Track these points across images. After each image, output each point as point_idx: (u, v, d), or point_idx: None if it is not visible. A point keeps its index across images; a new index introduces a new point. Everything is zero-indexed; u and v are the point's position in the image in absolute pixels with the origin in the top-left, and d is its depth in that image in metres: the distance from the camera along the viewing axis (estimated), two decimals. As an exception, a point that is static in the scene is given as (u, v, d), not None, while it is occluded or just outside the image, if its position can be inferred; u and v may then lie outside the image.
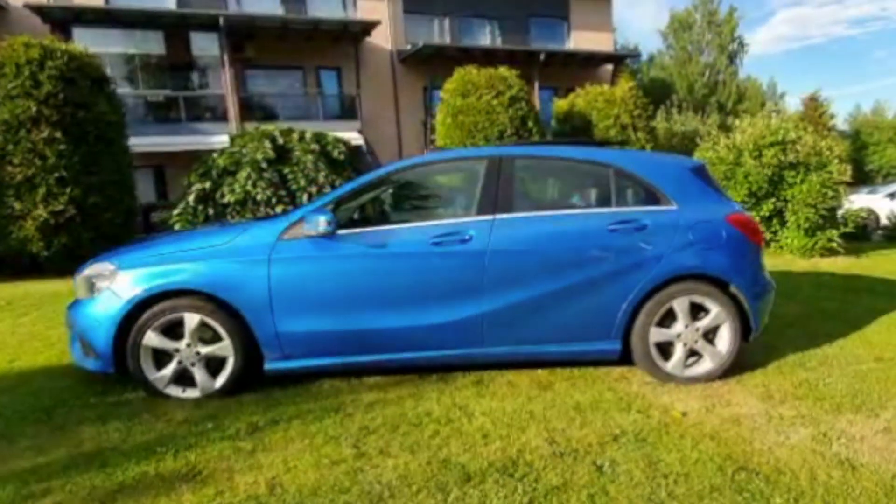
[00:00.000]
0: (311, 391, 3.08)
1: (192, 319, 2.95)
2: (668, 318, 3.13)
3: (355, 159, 8.16)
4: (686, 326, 3.12)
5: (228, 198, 7.32)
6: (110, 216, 7.04)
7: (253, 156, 7.39)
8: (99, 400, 3.01)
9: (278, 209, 7.39)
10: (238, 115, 16.82)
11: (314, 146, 7.55)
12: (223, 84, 16.70)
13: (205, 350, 2.99)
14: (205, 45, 16.34)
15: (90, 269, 3.10)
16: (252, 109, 17.60)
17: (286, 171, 7.48)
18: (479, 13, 22.37)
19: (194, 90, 16.97)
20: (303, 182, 7.41)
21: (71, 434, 2.58)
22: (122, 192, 7.42)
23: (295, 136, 7.75)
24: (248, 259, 2.97)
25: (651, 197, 3.21)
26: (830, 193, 7.60)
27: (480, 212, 3.10)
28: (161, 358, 3.01)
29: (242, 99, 17.36)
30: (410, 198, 3.45)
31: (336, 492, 2.03)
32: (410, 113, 20.94)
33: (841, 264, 7.24)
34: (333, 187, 7.44)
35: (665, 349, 3.16)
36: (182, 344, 2.97)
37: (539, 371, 3.28)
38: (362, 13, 19.82)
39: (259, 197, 7.29)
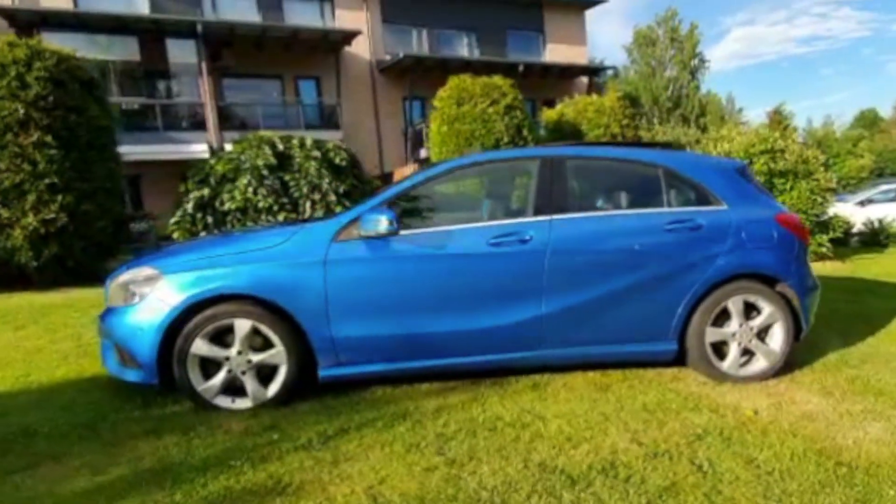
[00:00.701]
0: (367, 399, 2.96)
1: (243, 326, 2.80)
2: (722, 318, 3.15)
3: (356, 166, 8.04)
4: (740, 326, 3.15)
5: (228, 205, 7.09)
6: (103, 225, 6.68)
7: (253, 162, 7.19)
8: (142, 413, 2.82)
9: (280, 217, 7.20)
10: (217, 124, 16.46)
11: (315, 153, 7.40)
12: (201, 92, 16.31)
13: (256, 358, 2.84)
14: (181, 53, 15.93)
15: (129, 275, 2.91)
16: (231, 118, 17.25)
17: (287, 178, 7.30)
18: (457, 25, 22.61)
19: (171, 98, 16.50)
20: (305, 189, 7.25)
21: (126, 450, 2.40)
22: (113, 201, 7.07)
23: (295, 142, 7.59)
24: (304, 262, 2.85)
25: (701, 197, 3.25)
26: (819, 200, 7.90)
27: (537, 212, 3.06)
28: (208, 367, 2.85)
29: (221, 107, 17.00)
30: (462, 197, 3.40)
31: (443, 500, 1.93)
32: (390, 122, 20.93)
33: (832, 268, 7.51)
34: (337, 194, 7.31)
35: (719, 349, 3.18)
36: (232, 352, 2.82)
37: (590, 373, 3.24)
38: (340, 22, 19.77)
39: (261, 204, 7.09)
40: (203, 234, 7.37)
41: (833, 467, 2.12)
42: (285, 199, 7.33)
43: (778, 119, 26.29)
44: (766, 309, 3.15)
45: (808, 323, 3.27)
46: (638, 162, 3.34)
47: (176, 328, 2.77)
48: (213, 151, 16.25)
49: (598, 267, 3.03)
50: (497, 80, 9.81)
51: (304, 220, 3.31)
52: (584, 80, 24.08)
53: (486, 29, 23.04)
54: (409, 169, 15.43)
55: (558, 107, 11.99)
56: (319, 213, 7.25)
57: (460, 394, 3.00)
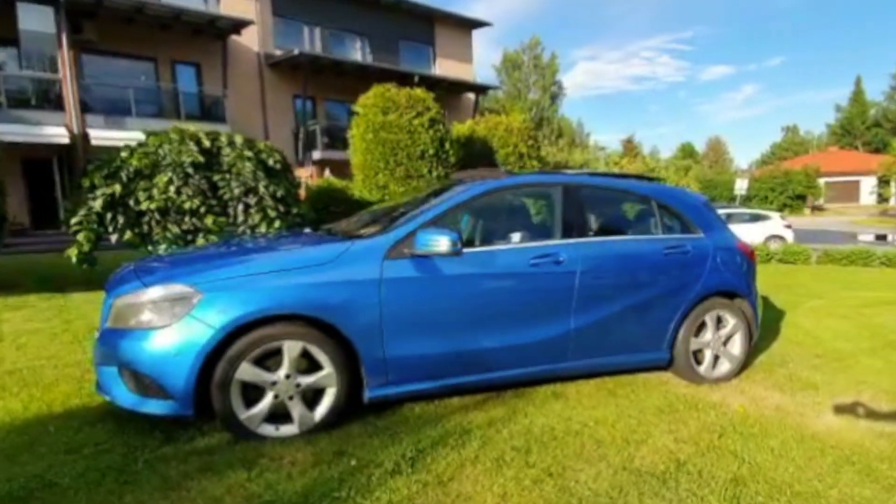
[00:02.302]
0: (411, 417, 2.96)
1: (294, 348, 2.65)
2: (700, 329, 3.70)
3: (288, 169, 7.61)
4: (713, 335, 3.72)
5: (146, 205, 6.28)
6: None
7: (176, 158, 6.48)
8: (174, 448, 2.51)
9: (207, 221, 6.58)
10: (77, 105, 14.31)
11: (248, 152, 6.89)
12: (59, 67, 14.04)
13: (306, 381, 2.70)
14: (34, 20, 13.56)
15: (156, 293, 2.57)
16: (95, 101, 15.08)
17: (216, 178, 6.68)
18: (351, 28, 22.34)
19: (19, 71, 13.96)
20: (237, 191, 6.70)
21: (193, 493, 2.15)
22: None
23: (224, 139, 6.97)
24: (360, 280, 2.78)
25: (684, 226, 3.78)
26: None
27: (564, 235, 3.33)
28: (249, 393, 2.64)
29: (83, 87, 14.78)
30: (494, 218, 3.53)
31: (571, 509, 2.08)
32: (279, 120, 19.95)
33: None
34: (275, 198, 6.90)
35: (696, 356, 3.72)
36: (280, 375, 2.65)
37: (591, 381, 3.57)
38: (226, 9, 18.39)
39: (186, 205, 6.40)
40: (113, 237, 6.46)
41: (830, 450, 2.68)
42: (214, 201, 6.71)
43: (630, 147, 30.02)
44: (731, 321, 3.77)
45: (758, 331, 3.98)
46: (636, 193, 3.79)
47: (217, 352, 2.53)
48: (73, 137, 14.10)
49: (615, 286, 3.39)
50: (419, 92, 9.96)
51: (338, 235, 3.15)
52: (471, 96, 25.26)
53: (380, 36, 23.08)
54: (305, 171, 14.83)
55: (468, 122, 12.50)
56: (255, 217, 6.77)
57: (495, 407, 3.14)
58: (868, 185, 36.29)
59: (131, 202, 6.30)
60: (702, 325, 3.69)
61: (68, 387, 3.28)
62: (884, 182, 31.50)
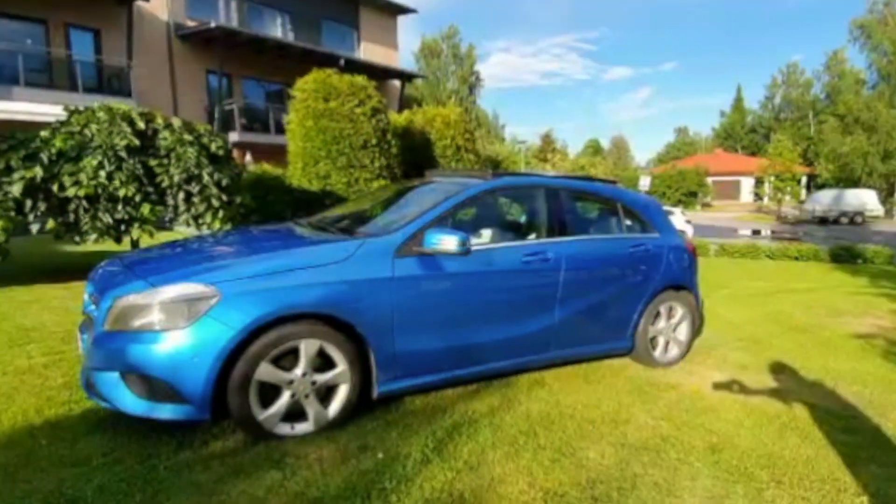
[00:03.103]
0: (414, 410, 3.08)
1: (310, 346, 2.67)
2: (655, 319, 4.15)
3: (231, 156, 7.23)
4: (665, 324, 4.19)
5: (72, 191, 5.71)
6: None
7: (106, 140, 5.95)
8: (192, 454, 2.46)
9: (144, 210, 6.12)
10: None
11: (188, 136, 6.48)
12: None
13: (321, 379, 2.73)
14: None
15: (169, 293, 2.47)
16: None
17: (153, 163, 6.22)
18: (270, 2, 21.26)
19: None
20: (177, 178, 6.29)
21: (233, 495, 2.14)
22: None
23: (160, 120, 6.49)
24: (374, 278, 2.85)
25: (643, 227, 4.20)
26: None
27: (549, 234, 3.59)
28: (265, 393, 2.63)
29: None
30: (487, 218, 3.68)
31: (602, 480, 2.33)
32: (190, 97, 18.62)
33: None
34: (220, 186, 6.56)
35: (651, 342, 4.16)
36: (297, 374, 2.66)
37: (563, 370, 3.89)
38: (130, -29, 16.77)
39: (120, 192, 5.91)
40: (34, 226, 5.83)
41: (774, 419, 3.17)
42: (150, 189, 6.25)
43: (548, 141, 31.39)
44: (680, 311, 4.26)
45: (701, 319, 4.51)
46: (604, 196, 4.15)
47: (235, 353, 2.50)
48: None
49: (592, 281, 3.72)
50: (360, 80, 9.81)
51: (344, 234, 3.15)
52: (397, 83, 25.06)
53: (302, 14, 22.21)
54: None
55: (405, 113, 12.50)
56: (200, 207, 6.39)
57: (489, 396, 3.34)
58: (748, 184, 40.94)
59: (55, 188, 5.72)
60: (656, 315, 4.13)
61: (33, 398, 3.02)
62: (759, 182, 35.63)
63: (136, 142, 6.06)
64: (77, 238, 5.92)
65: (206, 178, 6.35)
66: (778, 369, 4.19)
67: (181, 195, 6.32)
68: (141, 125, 6.22)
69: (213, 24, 17.02)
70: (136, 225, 6.15)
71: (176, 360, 2.43)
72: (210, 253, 3.08)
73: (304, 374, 2.68)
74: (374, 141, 9.48)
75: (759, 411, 3.30)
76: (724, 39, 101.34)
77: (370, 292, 2.83)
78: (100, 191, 5.87)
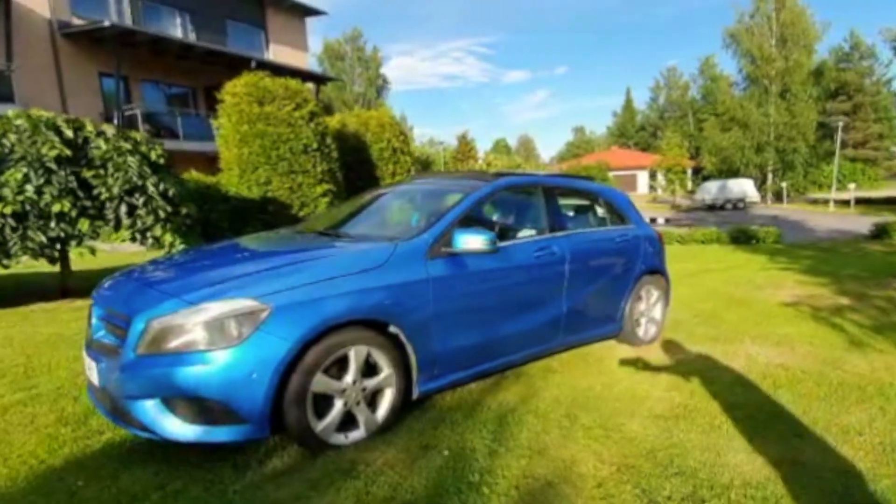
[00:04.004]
0: (447, 406, 3.13)
1: (360, 353, 2.64)
2: (637, 302, 4.48)
3: (172, 164, 6.70)
4: (645, 306, 4.55)
5: (-3, 208, 5.06)
6: None
7: (30, 150, 5.30)
8: (256, 474, 2.35)
9: (82, 226, 5.53)
10: None
11: (125, 144, 5.93)
12: None
13: (370, 385, 2.70)
14: None
15: (213, 310, 2.32)
16: None
17: (89, 174, 5.63)
18: (169, 1, 19.84)
19: None
20: (117, 190, 5.75)
21: (325, 507, 2.08)
22: None
23: (90, 128, 5.87)
24: (412, 280, 2.86)
25: (621, 219, 4.52)
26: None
27: (551, 230, 3.77)
28: (319, 404, 2.55)
29: None
30: (496, 215, 3.76)
31: (660, 448, 2.53)
32: (83, 102, 16.94)
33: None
34: (166, 197, 6.09)
35: (635, 323, 4.50)
36: (348, 382, 2.62)
37: (565, 355, 4.11)
38: (1, -38, 14.91)
39: (54, 208, 5.30)
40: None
41: (758, 381, 3.58)
42: (88, 202, 5.65)
43: (465, 143, 32.06)
44: (655, 293, 4.64)
45: (670, 300, 4.94)
46: (589, 191, 4.42)
47: (291, 366, 2.42)
48: None
49: (591, 271, 3.96)
50: (295, 83, 9.50)
51: (376, 238, 3.08)
52: (311, 86, 24.35)
53: (204, 13, 20.96)
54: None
55: (338, 116, 12.25)
56: (147, 220, 5.87)
57: (512, 386, 3.46)
58: (643, 177, 44.54)
59: (-24, 204, 5.02)
60: (639, 299, 4.47)
61: (32, 438, 2.69)
62: (653, 176, 38.91)
63: (68, 152, 5.48)
64: (5, 261, 5.23)
65: (150, 188, 5.87)
66: (740, 338, 4.70)
67: (123, 208, 5.79)
68: (69, 133, 5.62)
69: (106, 23, 15.55)
70: (74, 243, 5.56)
71: (232, 379, 2.29)
72: (235, 266, 2.90)
73: (354, 382, 2.63)
74: (314, 145, 9.24)
75: (747, 375, 3.70)
76: (611, 45, 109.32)
77: (410, 295, 2.84)
78: (28, 207, 5.24)
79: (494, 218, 3.79)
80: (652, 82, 65.49)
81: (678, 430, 2.79)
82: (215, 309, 2.34)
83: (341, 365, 2.61)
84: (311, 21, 25.82)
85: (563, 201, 4.09)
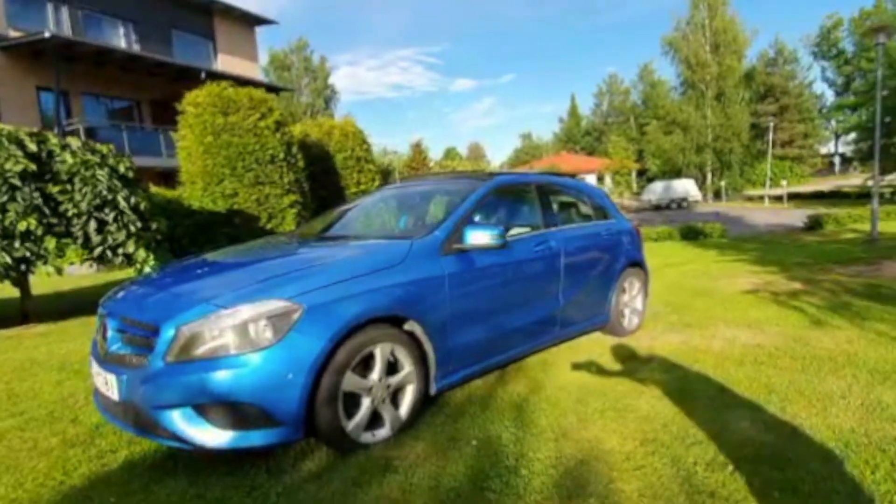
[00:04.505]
0: (458, 401, 3.21)
1: (385, 350, 2.70)
2: (622, 294, 4.71)
3: (140, 178, 6.46)
4: (629, 297, 4.79)
5: (-44, 229, 4.76)
6: None
7: (-9, 166, 5.03)
8: (293, 477, 2.36)
9: (48, 244, 5.27)
10: None
11: (93, 157, 5.70)
12: None
13: (393, 382, 2.76)
14: None
15: (245, 313, 2.33)
16: None
17: (55, 190, 5.38)
18: (111, 11, 19.13)
19: None
20: (85, 205, 5.51)
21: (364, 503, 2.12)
22: None
23: (54, 141, 5.61)
24: (429, 276, 2.94)
25: (603, 214, 4.75)
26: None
27: (546, 226, 3.94)
28: (347, 404, 2.59)
29: None
30: (495, 211, 3.86)
31: (673, 421, 2.70)
32: (20, 118, 15.97)
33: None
34: (136, 211, 5.90)
35: (620, 314, 4.73)
36: (374, 380, 2.66)
37: (556, 349, 4.28)
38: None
39: (20, 226, 5.03)
40: None
41: (735, 359, 3.85)
42: (54, 220, 5.38)
43: (419, 150, 32.24)
44: (637, 284, 4.89)
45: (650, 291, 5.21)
46: (574, 188, 4.62)
47: (323, 365, 2.45)
48: None
49: (583, 264, 4.14)
50: (259, 93, 9.35)
51: (392, 236, 3.11)
52: (262, 96, 23.89)
53: (148, 23, 20.27)
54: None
55: (299, 126, 12.11)
56: (119, 236, 5.65)
57: (516, 379, 3.57)
58: (592, 181, 46.04)
59: (-68, 225, 4.71)
60: (623, 290, 4.70)
61: (42, 461, 2.59)
62: (601, 179, 40.34)
63: (33, 166, 5.23)
64: (-35, 285, 4.92)
65: (122, 202, 5.67)
66: (714, 323, 5.01)
67: (92, 224, 5.56)
68: (32, 147, 5.37)
69: (46, 34, 14.79)
70: (41, 263, 5.29)
71: (268, 381, 2.30)
72: (255, 269, 2.89)
73: (379, 380, 2.68)
74: (281, 155, 9.12)
75: (730, 355, 3.97)
76: (555, 53, 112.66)
77: (429, 291, 2.91)
78: (-11, 226, 4.96)
79: (493, 215, 3.91)
80: (595, 89, 67.98)
81: (684, 406, 2.98)
82: (248, 311, 2.34)
83: (366, 363, 2.66)
84: (257, 31, 25.38)
85: (552, 198, 4.27)
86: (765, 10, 77.92)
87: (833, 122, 51.99)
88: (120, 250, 5.69)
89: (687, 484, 2.16)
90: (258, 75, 24.94)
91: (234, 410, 2.29)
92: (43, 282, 5.65)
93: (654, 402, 3.07)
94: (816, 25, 56.09)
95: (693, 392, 3.22)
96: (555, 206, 4.20)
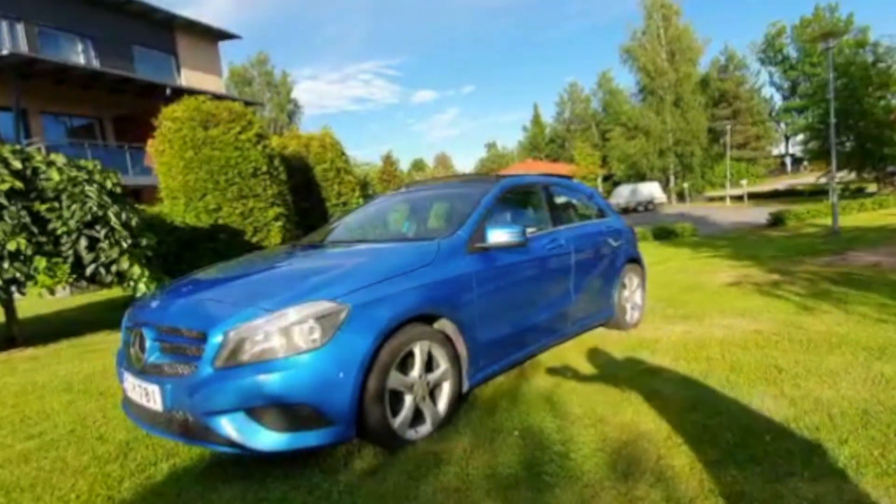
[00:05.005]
0: (489, 396, 3.28)
1: (423, 348, 2.75)
2: (623, 289, 4.88)
3: (125, 193, 6.30)
4: (629, 292, 4.96)
5: (-59, 250, 4.56)
6: None
7: (-25, 185, 4.85)
8: (349, 476, 2.38)
9: (39, 264, 5.09)
10: None
11: (81, 174, 5.54)
12: None
13: (432, 379, 2.81)
14: None
15: (295, 314, 2.35)
16: None
17: (42, 208, 5.21)
18: (68, 27, 18.59)
19: None
20: (74, 223, 5.36)
21: (428, 492, 2.16)
22: None
23: (39, 158, 5.43)
24: (458, 274, 3.01)
25: (601, 213, 4.93)
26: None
27: (554, 224, 4.07)
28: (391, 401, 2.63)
29: None
30: (508, 211, 3.96)
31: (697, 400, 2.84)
32: (-25, 139, 15.26)
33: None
34: (127, 226, 5.77)
35: (622, 309, 4.89)
36: (414, 377, 2.71)
37: (566, 345, 4.39)
38: None
39: (10, 246, 4.85)
40: None
41: (739, 343, 4.05)
42: (43, 238, 5.21)
43: (389, 162, 32.25)
44: (636, 280, 5.07)
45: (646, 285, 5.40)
46: (572, 188, 4.78)
47: (370, 364, 2.49)
48: None
49: (591, 261, 4.28)
50: (238, 105, 9.27)
51: (414, 238, 3.15)
52: (230, 111, 23.52)
53: (108, 39, 19.78)
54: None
55: (276, 139, 12.00)
56: (112, 253, 5.50)
57: (535, 374, 3.66)
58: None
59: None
60: (623, 286, 4.87)
61: (82, 481, 2.53)
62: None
63: (20, 184, 5.08)
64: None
65: (113, 219, 5.54)
66: (709, 314, 5.24)
67: (83, 242, 5.41)
68: (17, 164, 5.21)
69: (3, 52, 14.26)
70: (31, 284, 5.11)
71: (321, 381, 2.33)
72: (293, 273, 2.91)
73: (419, 377, 2.73)
74: (263, 168, 9.03)
75: (733, 341, 4.17)
76: (515, 63, 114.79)
77: (459, 289, 2.99)
78: (-25, 247, 4.78)
79: (505, 216, 4.01)
80: (557, 97, 69.53)
81: (705, 387, 3.14)
82: (297, 313, 2.36)
83: (405, 362, 2.70)
84: (220, 45, 25.04)
85: (557, 198, 4.41)
86: (714, 20, 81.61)
87: (783, 125, 54.65)
88: (113, 268, 5.55)
89: (731, 455, 2.29)
90: (223, 90, 24.56)
91: (287, 412, 2.30)
92: (20, 305, 5.44)
93: (677, 386, 3.21)
94: (762, 33, 58.98)
95: (710, 374, 3.38)
96: (560, 206, 4.34)
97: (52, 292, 5.23)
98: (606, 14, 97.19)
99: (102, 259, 5.49)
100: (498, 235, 3.20)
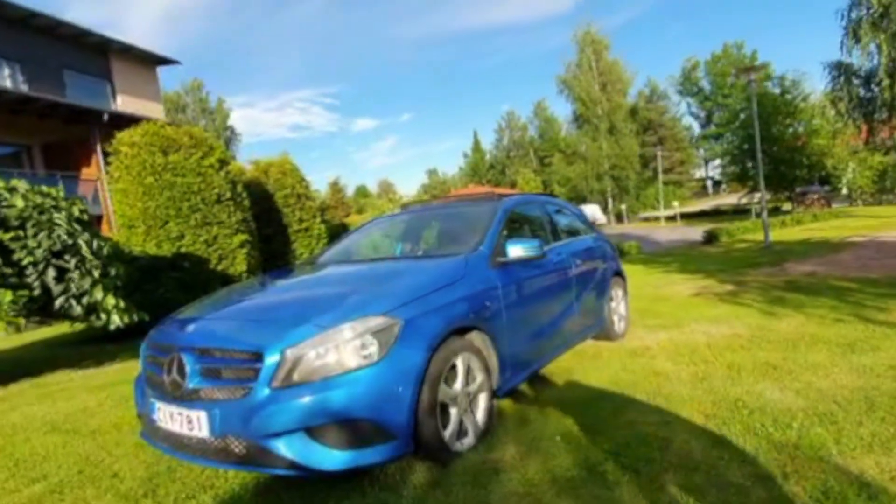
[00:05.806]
0: (514, 406, 3.37)
1: (465, 360, 2.82)
2: (611, 301, 5.13)
3: (91, 221, 5.93)
4: (616, 304, 5.22)
5: None
6: None
7: (-70, 215, 4.46)
8: (412, 491, 2.38)
9: (4, 298, 4.71)
10: None
11: (47, 201, 5.20)
12: None
13: (472, 390, 2.87)
14: None
15: (352, 330, 2.36)
16: None
17: (7, 237, 4.84)
18: (-8, 50, 17.35)
19: None
20: (40, 252, 5.00)
21: (498, 497, 2.21)
22: None
23: (1, 185, 5.07)
24: (487, 288, 3.12)
25: (589, 228, 5.20)
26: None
27: (554, 239, 4.26)
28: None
29: None
30: (514, 227, 4.08)
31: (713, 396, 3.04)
32: None
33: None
34: (96, 254, 5.45)
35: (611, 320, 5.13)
36: (457, 390, 2.76)
37: (567, 355, 4.56)
38: None
39: (-30, 279, 4.46)
40: None
41: (714, 347, 4.36)
42: (8, 269, 4.81)
43: (336, 188, 31.99)
44: (620, 292, 5.35)
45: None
46: (562, 205, 5.02)
47: (423, 377, 2.52)
48: None
49: (587, 274, 4.50)
50: (198, 130, 9.02)
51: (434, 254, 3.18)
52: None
53: (37, 63, 18.71)
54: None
55: (233, 164, 11.69)
56: (83, 283, 5.15)
57: (551, 383, 3.80)
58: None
59: None
60: (611, 298, 5.13)
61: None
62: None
63: (-20, 213, 4.72)
64: None
65: (84, 247, 5.23)
66: (685, 322, 5.58)
67: (51, 272, 5.07)
68: (-25, 192, 4.86)
69: (-82, 73, 13.13)
70: (-6, 319, 4.71)
71: (381, 396, 2.33)
72: (335, 290, 2.89)
73: (462, 389, 2.78)
74: (227, 194, 8.80)
75: (717, 344, 4.48)
76: (452, 91, 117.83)
77: (489, 302, 3.08)
78: (-68, 281, 4.38)
79: (515, 231, 4.17)
80: (495, 125, 71.79)
81: (715, 388, 3.36)
82: (352, 329, 2.37)
83: (448, 375, 2.74)
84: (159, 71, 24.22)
85: (553, 215, 4.62)
86: (639, 55, 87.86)
87: (702, 151, 59.06)
88: (84, 299, 5.21)
89: (765, 440, 2.49)
90: (163, 116, 23.65)
91: (349, 429, 2.29)
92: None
93: (690, 387, 3.42)
94: (679, 67, 63.88)
95: (710, 375, 3.63)
96: (557, 222, 4.56)
97: (18, 329, 4.84)
98: (538, 47, 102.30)
99: (73, 290, 5.15)
100: (517, 250, 3.34)
